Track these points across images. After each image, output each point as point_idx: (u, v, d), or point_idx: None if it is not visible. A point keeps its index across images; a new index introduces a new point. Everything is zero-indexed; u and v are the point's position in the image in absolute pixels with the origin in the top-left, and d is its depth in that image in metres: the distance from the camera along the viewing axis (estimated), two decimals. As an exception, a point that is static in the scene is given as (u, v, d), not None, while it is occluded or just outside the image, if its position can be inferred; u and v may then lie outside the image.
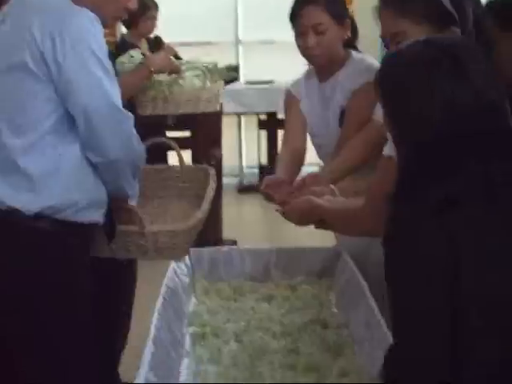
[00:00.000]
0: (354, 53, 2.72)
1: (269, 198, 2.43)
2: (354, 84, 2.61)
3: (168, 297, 2.32)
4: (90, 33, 1.96)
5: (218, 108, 3.39)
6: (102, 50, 1.99)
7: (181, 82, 3.14)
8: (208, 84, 3.20)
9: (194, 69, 3.31)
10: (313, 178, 2.43)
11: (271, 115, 7.26)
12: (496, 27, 1.85)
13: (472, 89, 1.47)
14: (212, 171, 2.64)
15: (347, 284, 2.54)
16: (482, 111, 1.46)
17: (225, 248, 2.85)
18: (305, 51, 2.62)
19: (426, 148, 1.46)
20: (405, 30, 1.89)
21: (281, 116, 7.39)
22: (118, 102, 2.02)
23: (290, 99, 2.81)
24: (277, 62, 7.67)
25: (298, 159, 2.72)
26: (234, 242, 5.19)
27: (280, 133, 7.41)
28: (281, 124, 7.38)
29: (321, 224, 2.16)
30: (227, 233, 5.44)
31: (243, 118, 7.79)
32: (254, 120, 7.48)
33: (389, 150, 1.80)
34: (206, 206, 2.36)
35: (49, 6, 2.00)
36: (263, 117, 7.37)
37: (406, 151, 1.52)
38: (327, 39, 2.58)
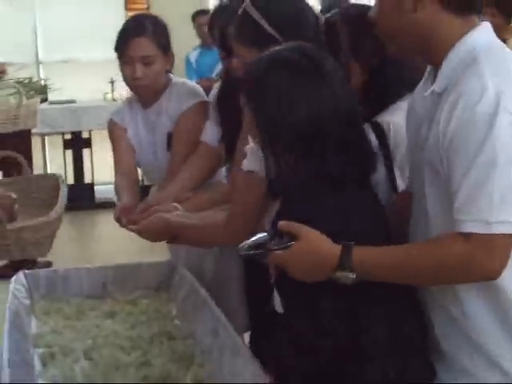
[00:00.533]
0: (173, 77, 2.81)
1: (120, 222, 2.46)
2: (180, 108, 2.70)
3: (12, 319, 2.30)
4: None
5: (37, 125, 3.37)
6: None
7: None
8: (24, 101, 3.18)
9: (6, 88, 3.26)
10: (155, 200, 2.48)
11: (76, 135, 7.20)
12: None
13: (331, 93, 1.60)
14: (61, 178, 2.63)
15: (187, 296, 2.62)
16: (341, 118, 1.60)
17: (61, 268, 2.83)
18: (131, 81, 2.67)
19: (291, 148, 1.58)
20: (241, 54, 2.01)
21: (85, 135, 7.37)
22: None
23: (115, 128, 2.84)
24: (77, 80, 7.63)
25: (136, 184, 2.76)
26: (49, 264, 5.11)
27: (86, 152, 7.37)
28: (86, 143, 7.36)
29: (174, 239, 2.23)
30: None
31: (47, 138, 7.65)
32: (58, 140, 7.36)
33: (248, 164, 1.89)
34: (62, 201, 2.36)
35: None
36: (68, 136, 7.28)
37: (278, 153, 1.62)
38: (154, 70, 2.66)
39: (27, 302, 2.58)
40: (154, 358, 2.24)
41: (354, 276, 1.53)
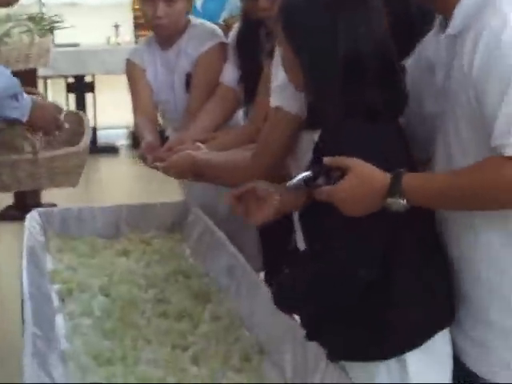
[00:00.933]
0: (192, 18, 2.78)
1: (145, 160, 2.45)
2: (199, 49, 2.67)
3: (29, 256, 2.31)
4: None
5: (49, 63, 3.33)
6: None
7: (7, 40, 3.05)
8: (37, 39, 3.13)
9: (19, 25, 3.22)
10: (178, 140, 2.47)
11: (79, 79, 7.14)
12: None
13: (371, 29, 1.58)
14: (84, 115, 2.63)
15: (201, 235, 2.63)
16: (379, 54, 1.58)
17: (75, 207, 2.84)
18: (152, 20, 2.63)
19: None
20: None
21: (88, 79, 7.31)
22: None
23: (134, 69, 2.80)
24: (81, 24, 7.53)
25: (156, 124, 2.74)
26: (54, 206, 5.12)
27: (88, 96, 7.33)
28: (89, 87, 7.32)
29: (200, 176, 2.22)
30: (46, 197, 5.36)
31: (50, 81, 7.59)
32: (61, 83, 7.31)
33: (277, 100, 1.87)
34: (88, 135, 2.41)
35: None
36: (71, 80, 7.23)
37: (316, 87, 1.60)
38: (176, 9, 2.62)
39: (42, 239, 2.60)
40: (170, 295, 2.26)
41: (405, 202, 1.50)
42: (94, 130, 7.31)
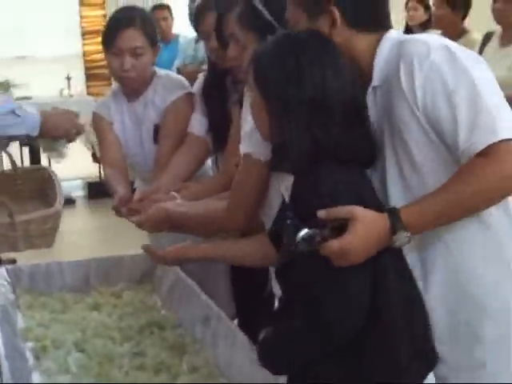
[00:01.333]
0: (157, 69, 2.81)
1: (119, 212, 2.45)
2: (166, 100, 2.70)
3: (1, 314, 2.29)
4: None
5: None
6: None
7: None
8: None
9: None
10: (151, 191, 2.48)
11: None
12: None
13: (339, 73, 1.64)
14: (51, 170, 2.62)
15: (172, 286, 2.63)
16: (345, 97, 1.63)
17: (43, 262, 2.82)
18: (119, 73, 2.66)
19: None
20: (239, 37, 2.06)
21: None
22: None
23: (101, 122, 2.81)
24: (33, 77, 7.53)
25: (127, 176, 2.75)
26: (14, 261, 5.04)
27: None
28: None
29: (175, 228, 2.22)
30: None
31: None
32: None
33: (246, 147, 1.91)
34: (61, 193, 2.40)
35: None
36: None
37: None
38: (143, 62, 2.65)
39: (12, 296, 2.57)
40: (146, 347, 2.25)
41: (409, 234, 1.55)
42: (50, 182, 7.27)
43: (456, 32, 4.88)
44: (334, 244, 1.51)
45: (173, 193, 2.35)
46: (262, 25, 1.97)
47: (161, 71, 2.82)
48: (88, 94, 7.45)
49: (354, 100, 1.65)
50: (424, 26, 5.96)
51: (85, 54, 7.50)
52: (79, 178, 7.41)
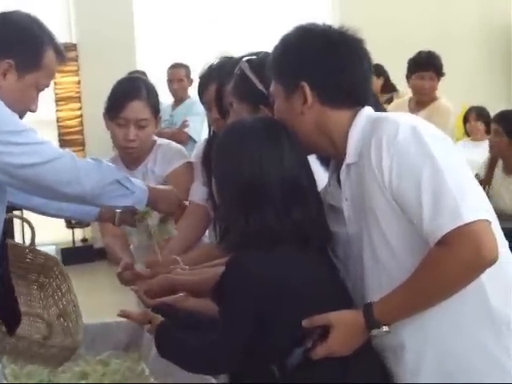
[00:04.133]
0: (158, 138, 2.86)
1: (123, 280, 2.44)
2: (166, 169, 2.74)
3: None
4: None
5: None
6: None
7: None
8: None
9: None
10: (153, 260, 2.48)
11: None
12: None
13: (279, 158, 1.71)
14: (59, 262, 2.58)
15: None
16: (285, 183, 1.71)
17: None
18: (123, 143, 2.70)
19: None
20: (234, 107, 2.13)
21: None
22: None
23: None
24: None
25: (127, 245, 2.75)
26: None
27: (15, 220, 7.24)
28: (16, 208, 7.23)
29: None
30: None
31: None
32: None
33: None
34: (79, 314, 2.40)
35: None
36: None
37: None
38: (146, 133, 2.71)
39: (-1, 366, 2.53)
40: (138, 417, 2.23)
41: (387, 328, 1.63)
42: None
43: None
44: (320, 351, 1.65)
45: (175, 256, 2.36)
46: (255, 94, 2.03)
47: (162, 140, 2.86)
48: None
49: (297, 182, 1.72)
50: (384, 92, 6.20)
51: (58, 120, 7.52)
52: (53, 244, 7.35)
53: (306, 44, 1.75)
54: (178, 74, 6.70)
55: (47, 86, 2.14)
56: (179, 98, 6.72)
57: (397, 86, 6.40)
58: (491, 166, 4.71)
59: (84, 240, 7.72)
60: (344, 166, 1.72)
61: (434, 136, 1.65)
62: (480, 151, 5.51)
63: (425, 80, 5.11)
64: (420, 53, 5.24)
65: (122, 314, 2.19)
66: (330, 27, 1.78)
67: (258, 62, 2.07)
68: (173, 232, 2.38)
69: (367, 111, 1.75)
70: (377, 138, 1.64)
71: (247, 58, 2.13)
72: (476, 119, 6.44)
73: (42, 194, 2.10)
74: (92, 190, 2.02)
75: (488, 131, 6.24)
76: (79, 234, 7.67)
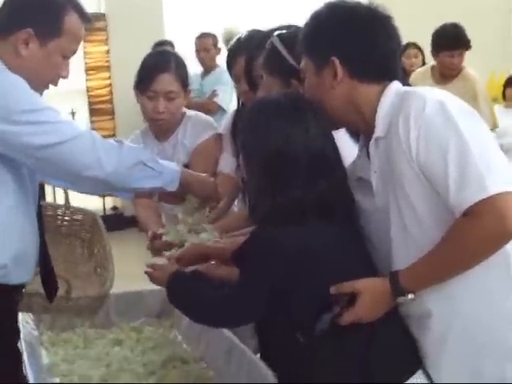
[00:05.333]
0: (187, 110, 2.89)
1: (154, 250, 2.47)
2: (195, 141, 2.78)
3: (29, 350, 2.33)
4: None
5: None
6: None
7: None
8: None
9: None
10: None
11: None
12: None
13: (304, 131, 1.75)
14: (99, 218, 2.62)
15: (192, 322, 2.67)
16: (310, 154, 1.74)
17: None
18: (153, 115, 2.74)
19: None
20: (264, 80, 2.16)
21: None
22: None
23: None
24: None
25: (159, 214, 2.80)
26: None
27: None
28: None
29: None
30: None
31: None
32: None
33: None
34: (111, 265, 2.42)
35: None
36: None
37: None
38: (176, 105, 2.74)
39: (35, 332, 2.61)
40: (172, 381, 2.30)
41: (413, 296, 1.67)
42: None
43: None
44: (347, 318, 1.69)
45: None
46: (286, 69, 2.05)
47: (191, 112, 2.89)
48: (92, 128, 7.52)
49: (322, 152, 1.76)
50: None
51: (88, 90, 7.58)
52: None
53: (336, 20, 1.78)
54: (205, 44, 6.71)
55: (74, 51, 2.08)
56: (208, 68, 6.73)
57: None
58: None
59: (114, 208, 7.81)
60: (373, 140, 1.75)
61: (461, 110, 1.68)
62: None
63: (454, 57, 5.01)
64: (445, 28, 5.11)
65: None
66: (359, 3, 1.80)
67: (289, 37, 2.09)
68: (204, 225, 2.32)
69: (396, 86, 1.77)
70: (405, 112, 1.67)
71: (278, 32, 2.15)
72: None
73: (64, 177, 2.07)
74: (114, 172, 1.99)
75: None
76: (110, 202, 7.76)
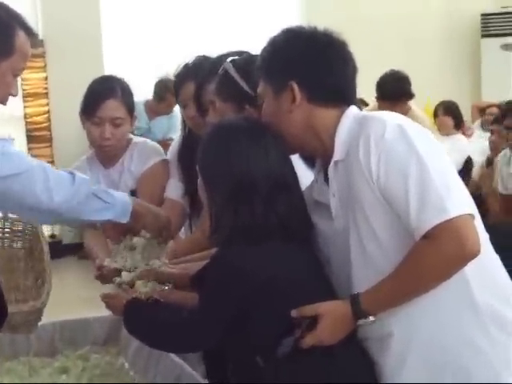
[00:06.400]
0: (133, 137, 2.89)
1: (103, 278, 2.44)
2: (142, 167, 2.78)
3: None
4: None
5: None
6: None
7: None
8: None
9: None
10: None
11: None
12: None
13: (265, 155, 1.79)
14: (40, 228, 2.55)
15: (139, 348, 2.65)
16: (271, 178, 1.78)
17: (7, 327, 2.81)
18: (99, 141, 2.73)
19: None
20: (217, 106, 2.18)
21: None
22: None
23: None
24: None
25: (105, 242, 2.78)
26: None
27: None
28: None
29: None
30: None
31: None
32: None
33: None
34: (48, 277, 2.32)
35: None
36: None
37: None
38: (122, 131, 2.74)
39: (-21, 362, 2.56)
40: (120, 410, 2.27)
41: (373, 318, 1.70)
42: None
43: None
44: (309, 341, 1.72)
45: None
46: (239, 94, 2.08)
47: (137, 138, 2.90)
48: (30, 155, 7.42)
49: (282, 176, 1.80)
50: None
51: (26, 116, 7.49)
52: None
53: (295, 45, 1.82)
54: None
55: (23, 69, 2.09)
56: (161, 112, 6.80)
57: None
58: None
59: (52, 236, 7.70)
60: (332, 163, 1.78)
61: (419, 134, 1.72)
62: (447, 146, 5.61)
63: (396, 107, 4.89)
64: (386, 79, 5.15)
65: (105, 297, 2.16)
66: (315, 29, 1.84)
67: (242, 62, 2.12)
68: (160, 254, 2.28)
69: (353, 110, 1.81)
70: (365, 136, 1.70)
71: (231, 58, 2.17)
72: (444, 114, 6.52)
73: (12, 207, 2.05)
74: (66, 204, 1.98)
75: (456, 126, 6.36)
76: (48, 229, 7.65)
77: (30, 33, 2.09)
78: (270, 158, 1.79)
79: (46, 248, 2.43)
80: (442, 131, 6.47)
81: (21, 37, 2.06)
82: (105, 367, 2.62)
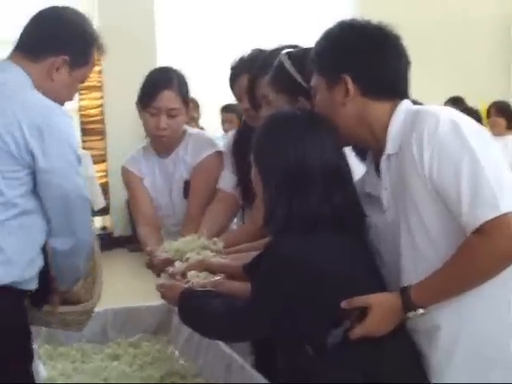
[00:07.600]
0: (189, 128, 2.92)
1: (152, 267, 2.47)
2: (196, 158, 2.80)
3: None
4: (70, 128, 2.10)
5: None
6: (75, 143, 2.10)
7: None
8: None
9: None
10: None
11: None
12: None
13: (321, 145, 1.78)
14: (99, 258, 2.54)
15: (189, 337, 2.68)
16: (326, 169, 1.78)
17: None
18: (154, 131, 2.76)
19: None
20: (270, 98, 2.20)
21: None
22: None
23: (132, 177, 2.89)
24: None
25: (159, 232, 2.82)
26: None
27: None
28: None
29: None
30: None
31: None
32: None
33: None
34: (99, 277, 2.38)
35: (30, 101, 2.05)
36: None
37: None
38: (177, 122, 2.75)
39: (34, 346, 2.61)
40: (170, 396, 2.31)
41: (423, 311, 1.70)
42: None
43: None
44: (358, 331, 1.71)
45: (215, 238, 2.42)
46: (293, 86, 2.09)
47: (192, 130, 2.92)
48: (83, 148, 7.51)
49: (337, 167, 1.79)
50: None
51: (80, 109, 7.60)
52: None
53: (349, 39, 1.82)
54: (229, 117, 6.52)
55: (87, 78, 2.27)
56: None
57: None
58: None
59: (103, 228, 7.81)
60: (384, 157, 1.78)
61: (473, 129, 1.71)
62: (499, 146, 5.53)
63: None
64: None
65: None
66: (369, 23, 1.83)
67: (297, 55, 2.13)
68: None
69: (406, 104, 1.81)
70: (418, 130, 1.70)
71: (286, 50, 2.18)
72: (497, 114, 6.46)
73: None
74: None
75: (509, 126, 6.29)
76: (99, 221, 7.75)
77: (101, 49, 2.25)
78: (326, 147, 1.79)
79: (98, 252, 2.47)
80: (495, 131, 6.40)
81: (94, 51, 2.23)
82: (155, 355, 2.66)
